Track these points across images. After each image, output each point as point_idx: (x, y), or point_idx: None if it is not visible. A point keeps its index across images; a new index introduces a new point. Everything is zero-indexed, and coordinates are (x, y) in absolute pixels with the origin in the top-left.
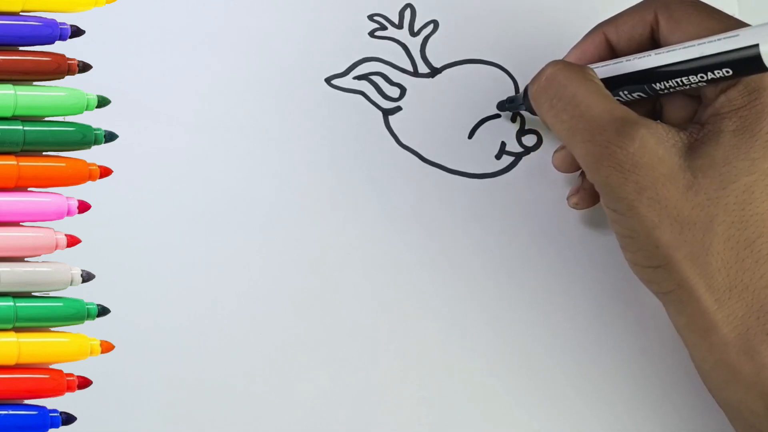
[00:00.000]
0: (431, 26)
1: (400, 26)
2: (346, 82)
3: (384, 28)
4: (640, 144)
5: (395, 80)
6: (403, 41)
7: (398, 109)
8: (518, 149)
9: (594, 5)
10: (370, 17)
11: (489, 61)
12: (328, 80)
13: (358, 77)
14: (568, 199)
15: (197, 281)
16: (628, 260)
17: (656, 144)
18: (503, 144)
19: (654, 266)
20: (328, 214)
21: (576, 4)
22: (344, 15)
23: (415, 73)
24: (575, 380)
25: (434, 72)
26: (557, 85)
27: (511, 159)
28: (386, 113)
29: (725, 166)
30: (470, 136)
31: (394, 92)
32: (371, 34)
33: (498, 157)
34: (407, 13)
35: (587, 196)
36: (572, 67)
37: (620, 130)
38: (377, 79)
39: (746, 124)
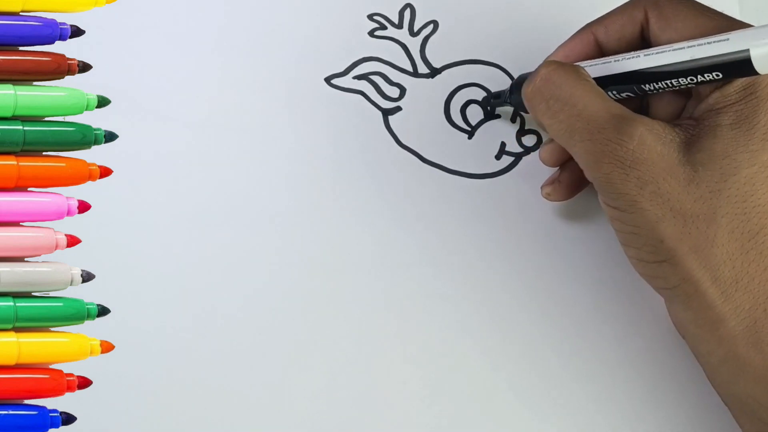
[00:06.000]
0: (431, 26)
1: (399, 26)
2: (346, 81)
3: (384, 27)
4: (640, 140)
5: (395, 80)
6: (402, 41)
7: (398, 109)
8: (518, 149)
9: (595, 5)
10: (370, 17)
11: (489, 61)
12: (327, 80)
13: (358, 77)
14: (541, 188)
15: (197, 281)
16: (631, 257)
17: (655, 140)
18: (503, 144)
19: (659, 261)
20: (327, 213)
21: (576, 3)
22: (344, 14)
23: (415, 73)
24: (578, 377)
25: (434, 72)
26: (552, 85)
27: (511, 159)
28: (386, 113)
29: (725, 158)
30: (470, 136)
31: (393, 92)
32: (371, 33)
33: (498, 157)
34: (407, 13)
35: (561, 188)
36: (566, 67)
37: (619, 127)
38: (377, 78)
39: (743, 118)
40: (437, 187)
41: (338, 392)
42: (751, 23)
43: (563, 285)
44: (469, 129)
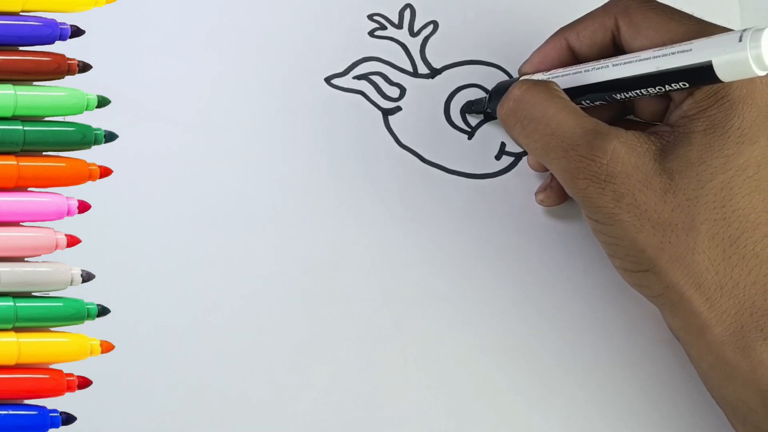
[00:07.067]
0: (431, 27)
1: (399, 26)
2: (346, 81)
3: (384, 27)
4: (613, 155)
5: (395, 80)
6: (402, 41)
7: (398, 109)
8: (518, 149)
9: (596, 5)
10: (370, 17)
11: (489, 61)
12: (327, 80)
13: (358, 77)
14: (535, 195)
15: (197, 281)
16: (617, 267)
17: (629, 152)
18: (503, 144)
19: (642, 270)
20: (327, 214)
21: (576, 4)
22: (344, 15)
23: (415, 74)
24: (577, 376)
25: (434, 72)
26: (526, 105)
27: (510, 159)
28: (386, 113)
29: (700, 165)
30: (470, 136)
31: (393, 92)
32: (371, 33)
33: (498, 157)
34: (407, 13)
35: (553, 193)
36: (538, 85)
37: (592, 143)
38: (377, 78)
39: (715, 123)
40: (437, 187)
41: (338, 392)
42: (751, 23)
43: (563, 285)
44: (469, 129)
